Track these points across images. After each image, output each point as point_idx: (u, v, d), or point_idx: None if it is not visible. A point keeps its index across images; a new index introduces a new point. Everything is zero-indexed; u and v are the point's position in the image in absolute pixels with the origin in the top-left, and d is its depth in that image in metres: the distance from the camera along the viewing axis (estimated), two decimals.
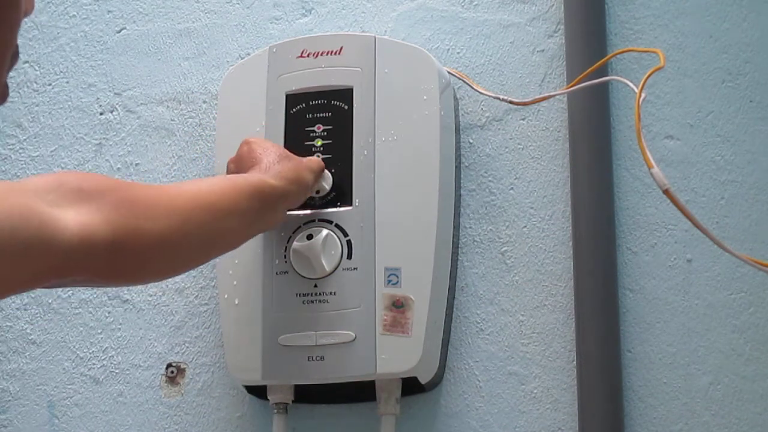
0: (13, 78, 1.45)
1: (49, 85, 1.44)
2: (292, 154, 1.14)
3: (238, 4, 1.41)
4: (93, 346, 1.34)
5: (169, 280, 1.33)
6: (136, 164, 1.38)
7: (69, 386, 1.33)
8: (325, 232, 1.17)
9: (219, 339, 1.29)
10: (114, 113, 1.41)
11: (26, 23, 1.46)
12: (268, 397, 1.20)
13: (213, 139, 1.35)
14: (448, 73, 1.26)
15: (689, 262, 1.22)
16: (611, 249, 1.22)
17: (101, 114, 1.42)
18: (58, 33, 1.46)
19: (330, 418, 1.25)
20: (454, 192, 1.24)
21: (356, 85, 1.22)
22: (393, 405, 1.18)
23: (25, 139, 1.43)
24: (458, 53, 1.33)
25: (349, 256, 1.17)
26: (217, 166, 1.26)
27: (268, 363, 1.17)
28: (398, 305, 1.15)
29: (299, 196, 1.13)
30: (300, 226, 1.19)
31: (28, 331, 1.35)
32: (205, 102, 1.38)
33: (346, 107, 1.22)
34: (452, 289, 1.23)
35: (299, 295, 1.17)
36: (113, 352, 1.33)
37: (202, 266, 1.32)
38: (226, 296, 1.21)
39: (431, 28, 1.34)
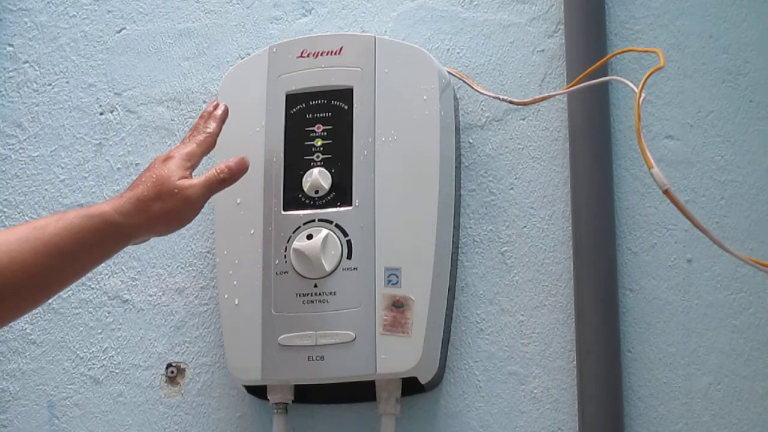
0: (13, 78, 1.45)
1: (49, 85, 1.44)
2: (155, 179, 1.04)
3: (238, 4, 1.41)
4: (93, 346, 1.34)
5: (169, 279, 1.33)
6: (136, 164, 1.38)
7: (69, 386, 1.33)
8: (325, 232, 1.17)
9: (219, 339, 1.29)
10: (114, 113, 1.41)
11: (26, 23, 1.46)
12: (268, 397, 1.20)
13: None
14: (448, 73, 1.26)
15: (689, 262, 1.22)
16: (611, 249, 1.22)
17: (101, 114, 1.42)
18: (58, 33, 1.46)
19: (330, 418, 1.25)
20: (454, 192, 1.24)
21: (356, 85, 1.22)
22: (393, 405, 1.18)
23: (25, 139, 1.43)
24: (458, 53, 1.33)
25: (349, 256, 1.17)
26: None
27: (268, 363, 1.17)
28: (398, 305, 1.15)
29: (146, 229, 1.04)
30: (300, 226, 1.19)
31: (28, 331, 1.36)
32: (205, 102, 1.38)
33: (346, 107, 1.22)
34: (452, 289, 1.23)
35: (299, 295, 1.17)
36: (113, 352, 1.33)
37: (202, 266, 1.32)
38: (226, 296, 1.21)
39: (431, 28, 1.34)
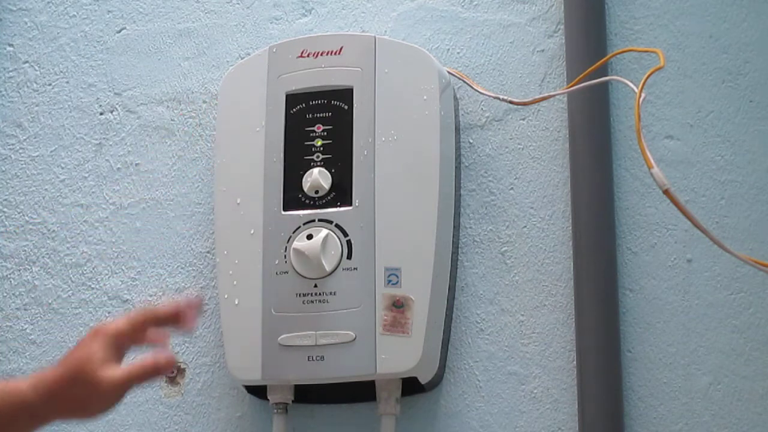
0: (13, 78, 1.45)
1: (49, 85, 1.44)
2: (77, 360, 0.92)
3: (238, 4, 1.41)
4: None
5: (169, 279, 1.33)
6: (136, 164, 1.38)
7: None
8: (325, 232, 1.17)
9: (219, 339, 1.29)
10: (114, 113, 1.41)
11: (26, 23, 1.46)
12: (268, 397, 1.20)
13: (213, 139, 1.35)
14: (448, 73, 1.26)
15: (689, 262, 1.22)
16: (611, 249, 1.22)
17: (101, 114, 1.42)
18: (58, 33, 1.46)
19: (330, 418, 1.25)
20: (454, 192, 1.24)
21: (356, 85, 1.22)
22: (393, 405, 1.18)
23: (25, 139, 1.43)
24: (458, 53, 1.33)
25: (349, 256, 1.17)
26: (217, 166, 1.26)
27: (268, 363, 1.17)
28: (398, 305, 1.15)
29: (54, 416, 0.93)
30: (300, 226, 1.19)
31: (28, 331, 1.35)
32: (205, 102, 1.38)
33: (346, 107, 1.22)
34: (452, 289, 1.23)
35: (299, 295, 1.17)
36: None
37: (202, 266, 1.32)
38: (226, 296, 1.20)
39: (431, 28, 1.34)
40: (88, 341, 0.92)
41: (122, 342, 0.93)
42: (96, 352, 0.92)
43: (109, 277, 1.35)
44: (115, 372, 0.91)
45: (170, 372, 0.98)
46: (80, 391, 0.91)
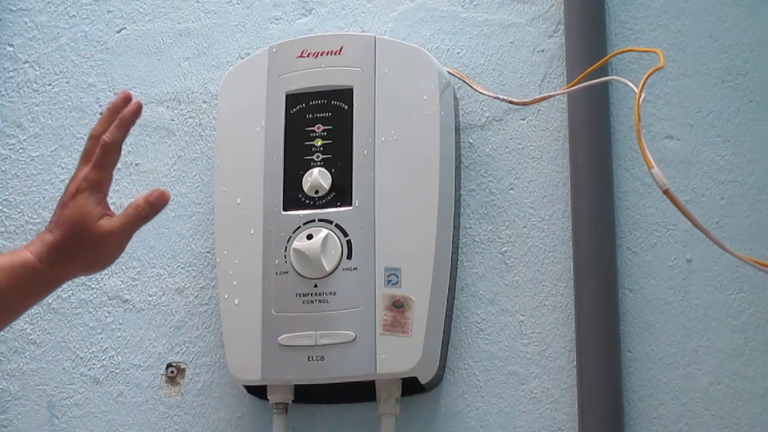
0: (13, 78, 1.45)
1: (49, 85, 1.44)
2: (71, 222, 0.96)
3: (238, 4, 1.41)
4: (93, 346, 1.34)
5: (169, 279, 1.33)
6: (136, 164, 1.38)
7: (69, 386, 1.33)
8: (325, 232, 1.17)
9: (219, 339, 1.29)
10: None
11: (26, 23, 1.46)
12: (268, 397, 1.20)
13: (213, 139, 1.35)
14: (448, 73, 1.26)
15: (689, 262, 1.22)
16: (611, 249, 1.22)
17: (101, 114, 1.41)
18: (58, 33, 1.46)
19: (330, 418, 1.25)
20: (454, 192, 1.24)
21: (356, 85, 1.22)
22: (393, 405, 1.18)
23: (25, 139, 1.43)
24: (458, 53, 1.33)
25: (349, 256, 1.17)
26: (217, 166, 1.26)
27: (268, 363, 1.17)
28: (398, 305, 1.15)
29: (69, 276, 0.98)
30: (300, 226, 1.19)
31: (28, 331, 1.35)
32: (205, 102, 1.38)
33: (346, 107, 1.22)
34: (452, 289, 1.23)
35: (299, 295, 1.17)
36: (113, 352, 1.33)
37: (202, 266, 1.32)
38: (226, 296, 1.21)
39: (431, 28, 1.34)
40: (72, 202, 0.96)
41: (101, 187, 0.97)
42: (88, 209, 0.96)
43: (109, 277, 1.35)
44: (113, 222, 0.96)
45: (165, 204, 0.99)
46: (86, 250, 0.95)
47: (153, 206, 0.99)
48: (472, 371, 1.23)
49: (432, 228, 1.17)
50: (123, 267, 1.35)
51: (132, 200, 0.98)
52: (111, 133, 0.98)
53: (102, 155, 0.97)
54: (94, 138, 0.98)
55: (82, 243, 0.95)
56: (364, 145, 1.20)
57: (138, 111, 1.00)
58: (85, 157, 0.98)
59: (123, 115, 0.99)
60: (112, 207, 0.97)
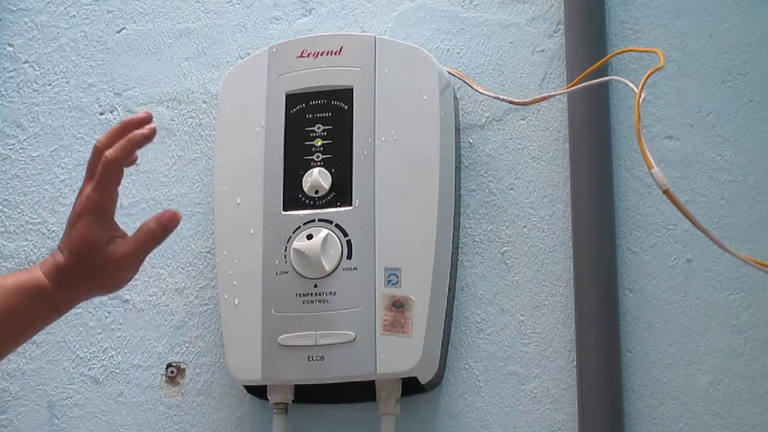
0: (13, 78, 1.45)
1: (49, 85, 1.44)
2: (82, 249, 0.93)
3: (238, 4, 1.41)
4: (93, 346, 1.34)
5: (169, 279, 1.33)
6: (136, 164, 1.38)
7: (69, 386, 1.33)
8: (325, 232, 1.17)
9: (219, 339, 1.29)
10: (114, 113, 1.41)
11: (26, 23, 1.46)
12: (268, 397, 1.20)
13: (213, 139, 1.35)
14: (448, 73, 1.26)
15: (689, 262, 1.22)
16: (611, 249, 1.22)
17: (101, 114, 1.42)
18: (58, 33, 1.46)
19: (330, 418, 1.25)
20: (454, 192, 1.24)
21: (356, 85, 1.22)
22: (393, 405, 1.18)
23: (25, 139, 1.43)
24: (458, 53, 1.33)
25: (349, 256, 1.17)
26: (217, 166, 1.26)
27: (268, 363, 1.17)
28: (398, 305, 1.15)
29: (84, 298, 0.97)
30: (300, 226, 1.19)
31: None
32: (205, 102, 1.38)
33: (346, 107, 1.22)
34: (452, 289, 1.23)
35: (299, 295, 1.17)
36: (113, 352, 1.33)
37: (202, 266, 1.32)
38: (226, 296, 1.21)
39: (431, 28, 1.34)
40: (79, 224, 0.93)
41: (104, 210, 0.94)
42: (95, 236, 0.93)
43: None
44: (126, 246, 0.94)
45: (176, 225, 0.97)
46: (97, 275, 0.93)
47: (165, 228, 0.97)
48: (472, 371, 1.23)
49: (432, 228, 1.17)
50: None
51: (142, 222, 0.96)
52: (114, 151, 0.94)
53: (103, 173, 0.94)
54: (97, 151, 0.95)
55: (93, 268, 0.93)
56: (364, 145, 1.20)
57: (150, 136, 0.95)
58: (90, 172, 0.95)
59: (132, 136, 0.95)
60: None
